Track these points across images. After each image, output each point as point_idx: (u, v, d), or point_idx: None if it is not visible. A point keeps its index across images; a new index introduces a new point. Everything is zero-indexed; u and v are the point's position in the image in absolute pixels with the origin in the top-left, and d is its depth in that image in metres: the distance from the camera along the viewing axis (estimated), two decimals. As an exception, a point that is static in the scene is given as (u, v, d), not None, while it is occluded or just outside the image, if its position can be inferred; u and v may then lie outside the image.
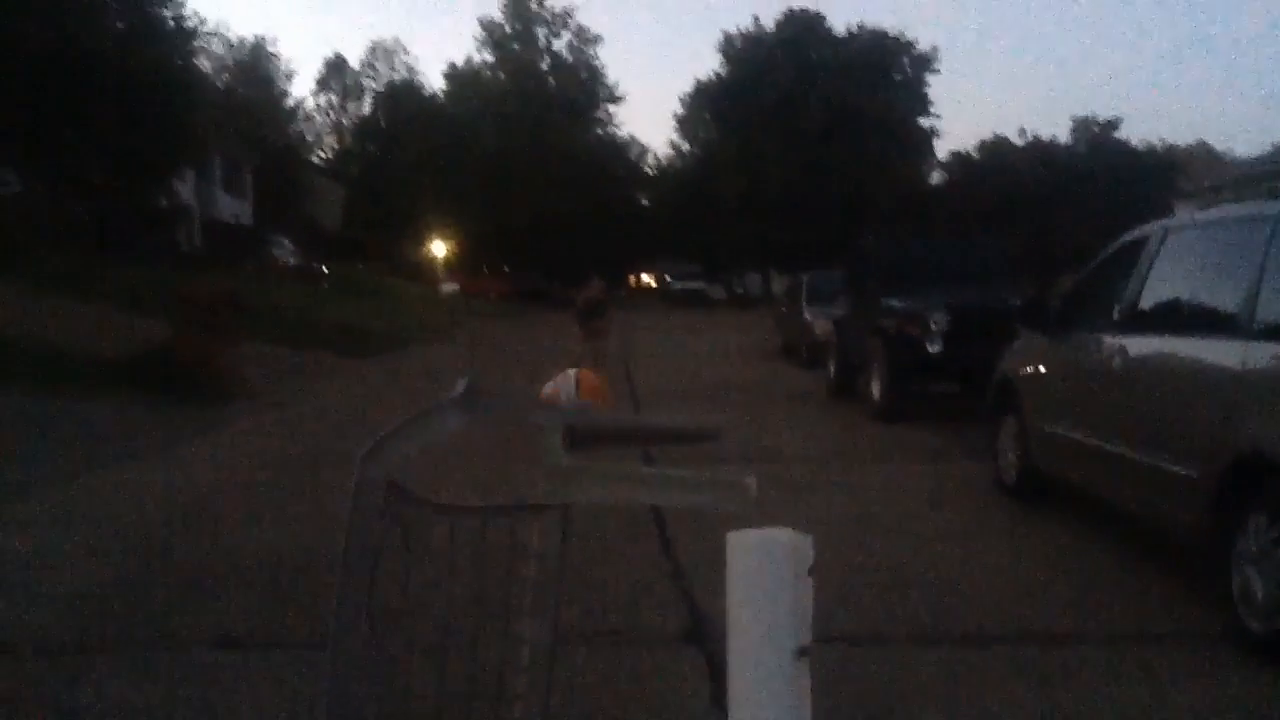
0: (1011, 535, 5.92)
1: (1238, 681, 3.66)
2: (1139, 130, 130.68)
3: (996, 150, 52.29)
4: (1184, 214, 5.53)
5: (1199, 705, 3.48)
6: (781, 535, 2.17)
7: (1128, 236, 5.86)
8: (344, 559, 2.21)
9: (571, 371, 5.46)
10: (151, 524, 6.21)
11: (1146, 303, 5.28)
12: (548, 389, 5.11)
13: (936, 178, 54.43)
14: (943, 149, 56.94)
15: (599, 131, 59.17)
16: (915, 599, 4.64)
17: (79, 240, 23.32)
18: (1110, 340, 5.39)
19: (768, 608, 2.14)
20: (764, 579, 2.15)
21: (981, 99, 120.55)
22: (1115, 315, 5.48)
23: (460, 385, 2.57)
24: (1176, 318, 4.99)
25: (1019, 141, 51.98)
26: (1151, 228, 5.57)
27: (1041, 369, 6.45)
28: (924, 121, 52.00)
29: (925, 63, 51.79)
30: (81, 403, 10.48)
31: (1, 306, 14.59)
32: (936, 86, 55.29)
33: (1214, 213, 5.52)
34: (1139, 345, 5.13)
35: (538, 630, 2.53)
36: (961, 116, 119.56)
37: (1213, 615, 4.15)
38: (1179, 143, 59.02)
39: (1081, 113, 62.34)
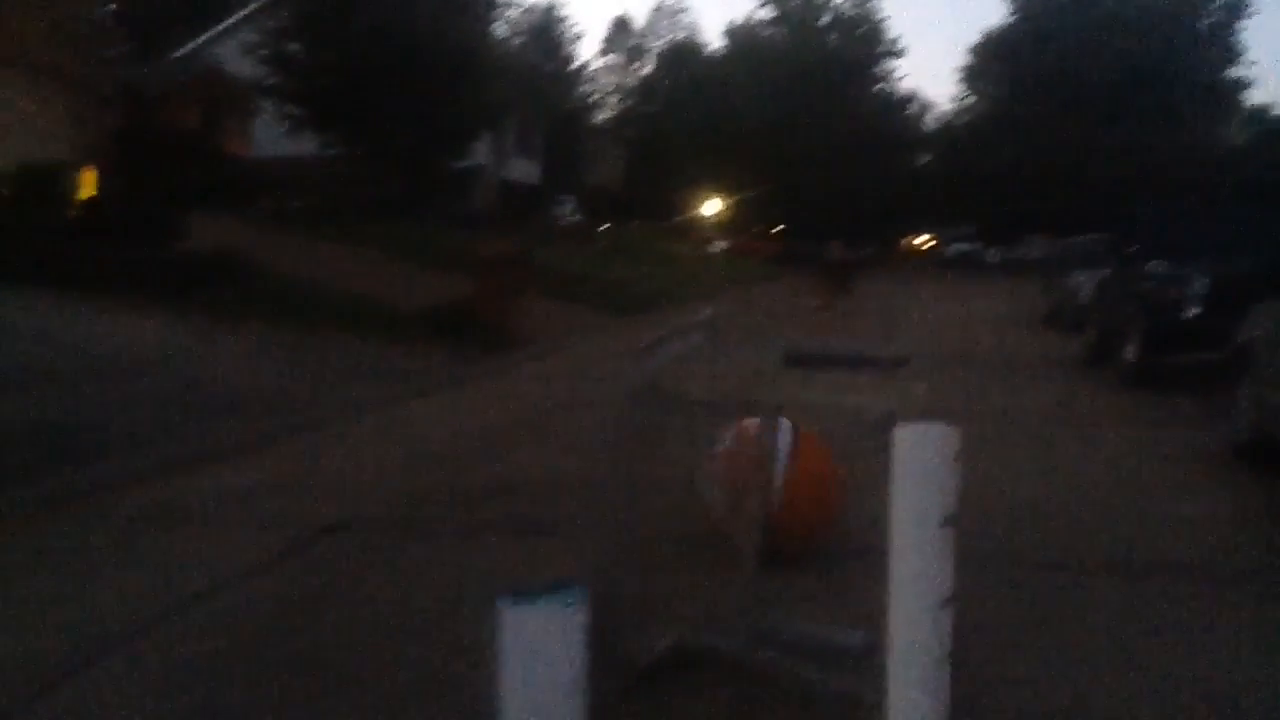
0: (1227, 491, 6.18)
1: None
2: None
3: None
4: None
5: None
6: (937, 428, 2.90)
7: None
8: (614, 437, 3.12)
9: (786, 424, 4.24)
10: (456, 443, 7.50)
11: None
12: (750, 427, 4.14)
13: (1240, 136, 50.43)
14: (1257, 98, 52.55)
15: (878, 88, 58.25)
16: (1105, 535, 5.11)
17: (390, 202, 25.95)
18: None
19: (923, 484, 2.89)
20: (922, 461, 2.89)
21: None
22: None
23: (705, 313, 3.45)
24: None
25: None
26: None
27: (1277, 332, 6.58)
28: (1233, 73, 48.21)
29: (1238, 8, 47.88)
30: (391, 346, 12.19)
31: (332, 264, 16.84)
32: (1251, 31, 50.86)
33: None
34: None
35: (757, 496, 3.36)
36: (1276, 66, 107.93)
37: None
38: None
39: None
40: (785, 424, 4.11)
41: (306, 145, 26.40)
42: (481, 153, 36.81)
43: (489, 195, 39.56)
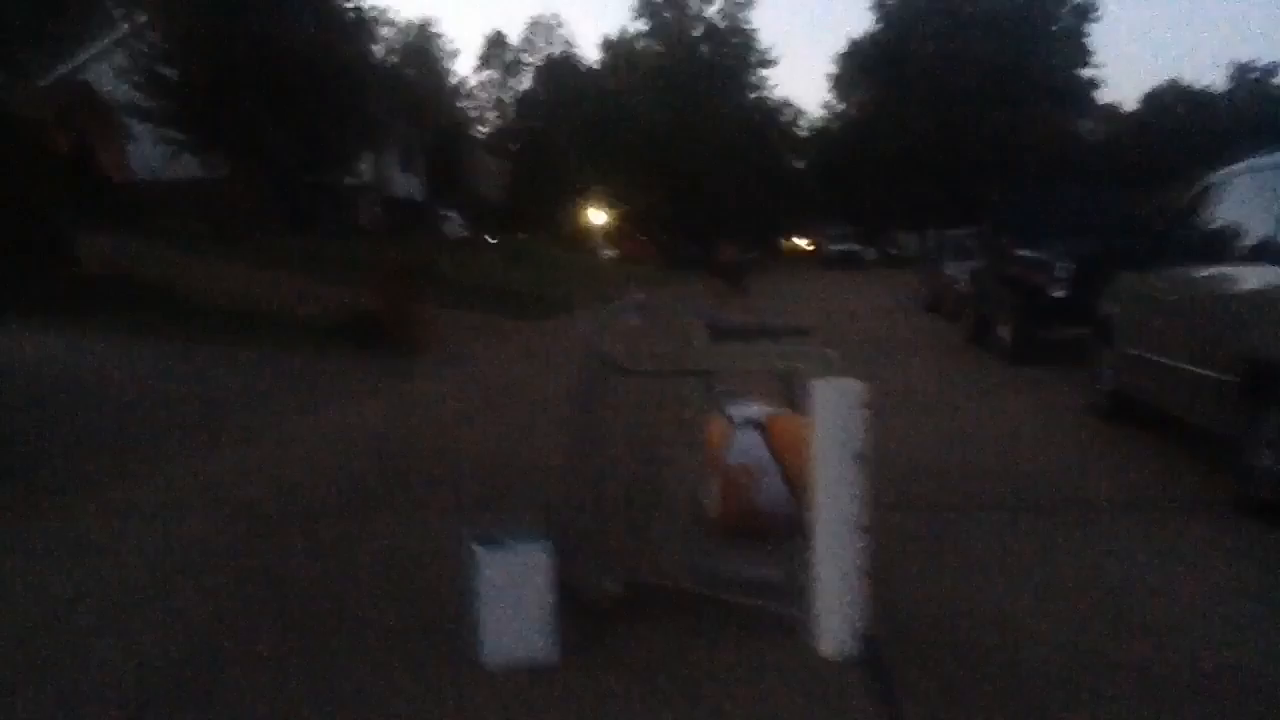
0: (1086, 441, 7.03)
1: (1247, 537, 4.65)
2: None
3: (1155, 101, 50.98)
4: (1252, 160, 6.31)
5: (1211, 555, 4.49)
6: (848, 381, 3.39)
7: (1207, 179, 6.69)
8: (576, 399, 3.53)
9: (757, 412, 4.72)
10: (384, 441, 7.79)
11: (1211, 236, 6.17)
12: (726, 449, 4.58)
13: (1096, 132, 53.28)
14: (1105, 97, 55.50)
15: (752, 96, 59.69)
16: (990, 481, 5.79)
17: (279, 221, 25.79)
18: (1179, 271, 6.30)
19: (838, 428, 3.37)
20: (835, 408, 3.37)
21: (1143, 44, 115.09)
22: (1187, 249, 6.37)
23: (640, 295, 3.90)
24: (1228, 249, 5.87)
25: (1176, 91, 50.61)
26: (1221, 174, 6.41)
27: (1129, 300, 7.34)
28: (1084, 73, 50.96)
29: (1085, 11, 50.66)
30: (300, 357, 12.32)
31: (227, 281, 16.79)
32: (1097, 35, 53.74)
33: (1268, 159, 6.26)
34: (1198, 272, 6.03)
35: (689, 454, 3.80)
36: (1121, 65, 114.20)
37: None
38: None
39: (1241, 58, 59.68)
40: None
41: (190, 167, 26.05)
42: (366, 171, 36.68)
43: (376, 211, 39.37)
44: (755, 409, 4.70)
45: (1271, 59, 62.75)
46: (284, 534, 5.09)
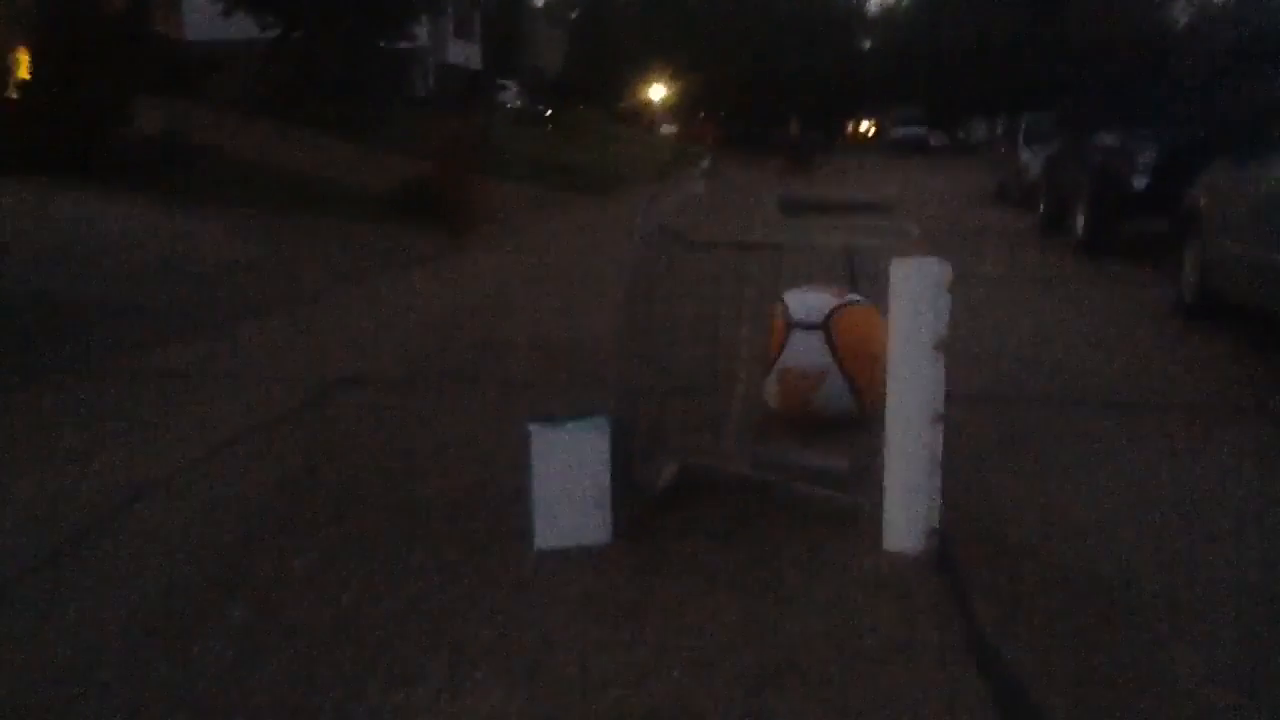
0: (1169, 340, 6.65)
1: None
2: None
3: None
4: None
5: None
6: (929, 260, 3.15)
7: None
8: (629, 276, 3.33)
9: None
10: (442, 315, 7.69)
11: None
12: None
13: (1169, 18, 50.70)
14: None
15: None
16: (1064, 377, 5.52)
17: (333, 85, 25.39)
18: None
19: (918, 311, 3.15)
20: (914, 290, 3.14)
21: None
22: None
23: (705, 163, 3.65)
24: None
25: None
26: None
27: (1222, 193, 6.91)
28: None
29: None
30: (361, 226, 12.23)
31: (285, 147, 16.62)
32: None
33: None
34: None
35: (756, 332, 3.60)
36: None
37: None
38: None
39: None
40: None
41: (243, 27, 25.62)
42: (421, 35, 35.94)
43: (431, 79, 38.78)
44: (815, 297, 4.45)
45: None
46: (341, 406, 5.02)
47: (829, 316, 4.34)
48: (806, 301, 4.43)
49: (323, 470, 3.99)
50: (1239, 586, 2.96)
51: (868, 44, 60.50)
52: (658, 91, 50.28)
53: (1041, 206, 13.52)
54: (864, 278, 3.48)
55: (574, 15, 59.89)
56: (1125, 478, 3.90)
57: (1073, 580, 3.01)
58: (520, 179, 19.25)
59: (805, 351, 4.29)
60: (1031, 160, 16.45)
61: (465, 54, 44.89)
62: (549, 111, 39.59)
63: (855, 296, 4.58)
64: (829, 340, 4.28)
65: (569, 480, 3.20)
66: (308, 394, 5.17)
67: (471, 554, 3.17)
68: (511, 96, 44.12)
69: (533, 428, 3.19)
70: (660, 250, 3.33)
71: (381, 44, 28.40)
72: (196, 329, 6.77)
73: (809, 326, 4.32)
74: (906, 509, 3.18)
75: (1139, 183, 10.29)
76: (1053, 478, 3.87)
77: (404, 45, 32.19)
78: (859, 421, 4.22)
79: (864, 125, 62.29)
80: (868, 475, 3.29)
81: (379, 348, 6.39)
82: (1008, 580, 3.00)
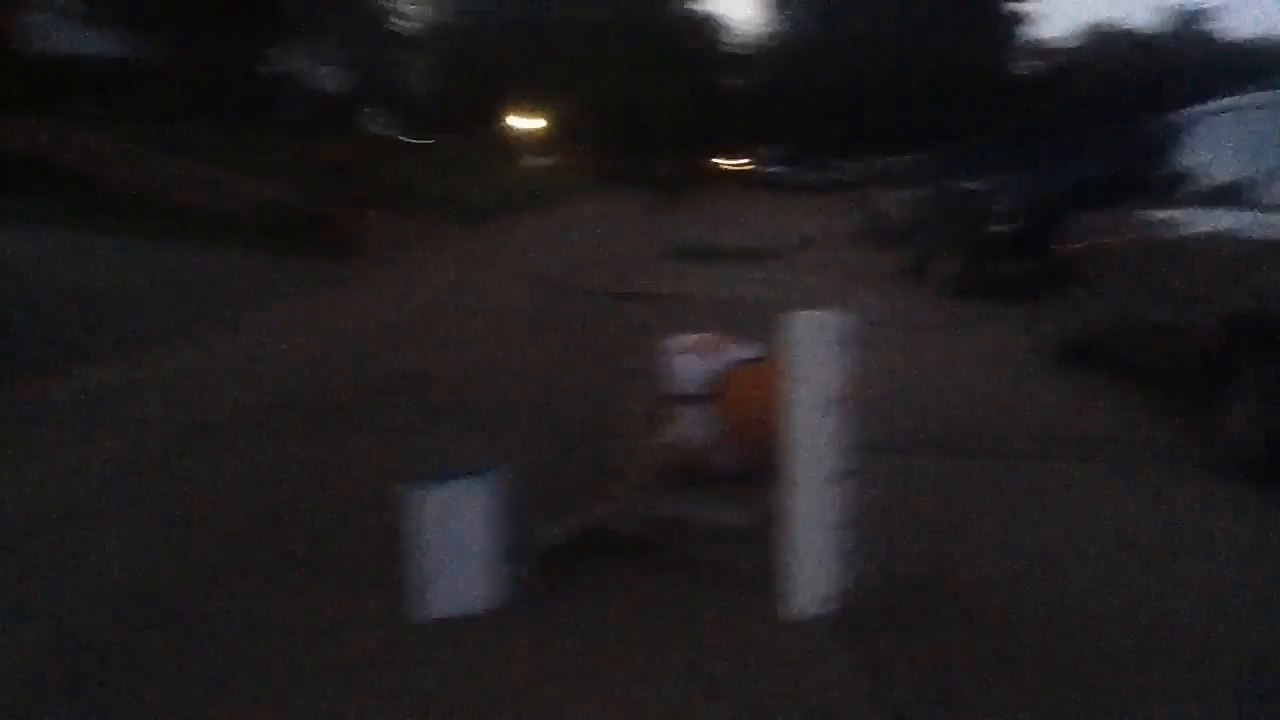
0: (1045, 383, 6.75)
1: (1217, 491, 4.47)
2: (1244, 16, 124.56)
3: (1093, 39, 51.21)
4: (1227, 100, 6.08)
5: (1180, 505, 4.30)
6: (827, 315, 3.08)
7: (1174, 119, 6.45)
8: (526, 322, 3.16)
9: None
10: (332, 345, 7.37)
11: (1181, 177, 5.94)
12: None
13: (1033, 66, 53.30)
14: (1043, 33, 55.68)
15: (687, 10, 58.17)
16: (941, 425, 5.54)
17: (196, 107, 24.47)
18: (1152, 212, 6.06)
19: (815, 367, 3.06)
20: (810, 344, 3.06)
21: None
22: (1155, 189, 6.13)
23: (593, 205, 3.50)
24: (1211, 193, 5.62)
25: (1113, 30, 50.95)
26: (1194, 111, 6.16)
27: (1090, 242, 7.11)
28: (1023, 6, 50.92)
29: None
30: (237, 254, 11.71)
31: (154, 169, 15.87)
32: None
33: (1249, 98, 6.02)
34: (1172, 215, 5.80)
35: (647, 384, 3.46)
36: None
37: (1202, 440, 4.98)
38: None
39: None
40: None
41: (101, 45, 24.51)
42: (289, 59, 35.03)
43: (298, 103, 37.79)
44: (700, 361, 4.17)
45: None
46: (196, 455, 4.68)
47: (716, 383, 4.11)
48: (691, 366, 4.17)
49: (174, 530, 3.67)
50: (1160, 654, 2.94)
51: (738, 81, 61.48)
52: (531, 123, 50.11)
53: (911, 247, 13.81)
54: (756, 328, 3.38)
55: (443, 44, 59.31)
56: (1024, 529, 3.89)
57: (986, 644, 2.95)
58: (393, 208, 18.80)
59: (693, 424, 4.08)
60: (898, 201, 16.82)
61: (336, 80, 43.96)
62: (419, 140, 39.02)
63: (744, 353, 4.33)
64: (717, 409, 4.08)
65: (453, 543, 3.00)
66: (159, 443, 4.80)
67: (345, 624, 2.94)
68: (383, 125, 43.38)
69: (416, 488, 2.99)
70: (550, 298, 3.17)
71: (249, 66, 27.62)
72: (33, 367, 6.26)
73: (695, 397, 4.09)
74: (807, 573, 3.08)
75: (1003, 227, 10.56)
76: (955, 531, 3.83)
77: (272, 69, 31.33)
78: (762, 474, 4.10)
79: (734, 160, 63.15)
80: (769, 531, 3.18)
81: (241, 389, 6.01)
82: (919, 648, 2.92)
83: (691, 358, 4.19)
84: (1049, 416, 5.86)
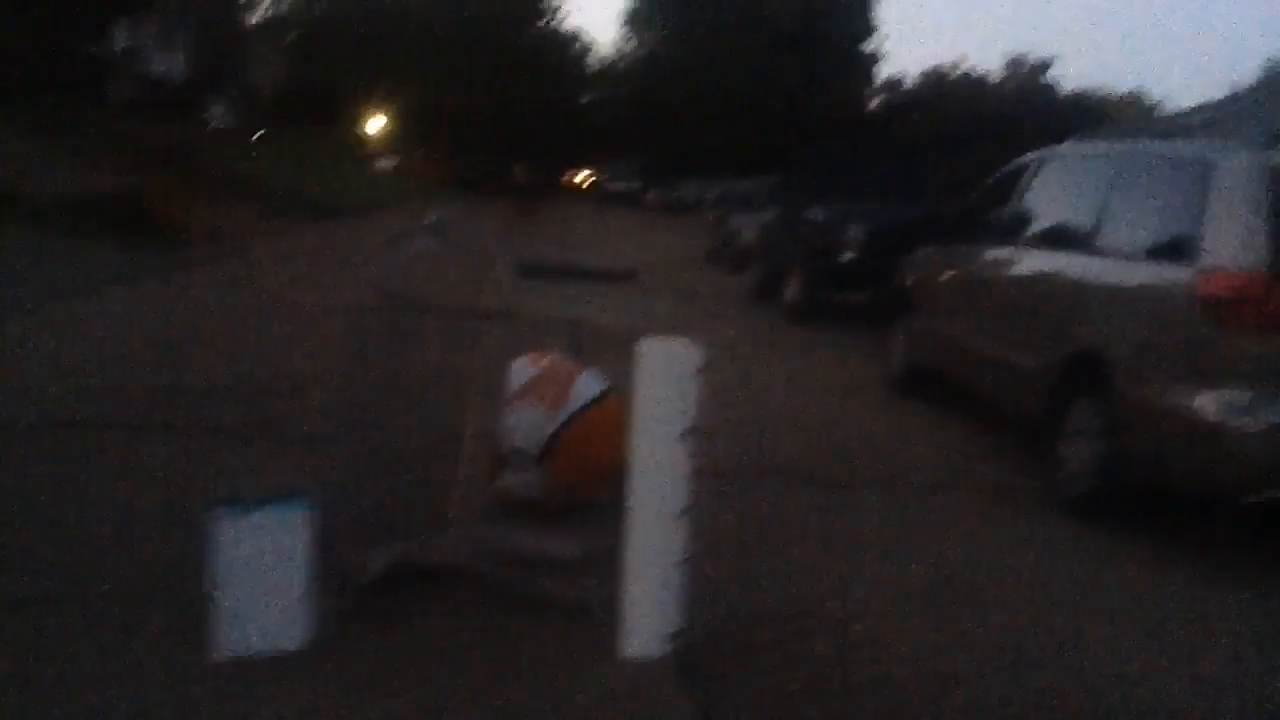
0: (883, 414, 6.83)
1: (1053, 527, 4.52)
2: (1083, 68, 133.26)
3: (933, 81, 53.42)
4: (1058, 147, 6.32)
5: (1019, 542, 4.33)
6: (679, 343, 2.92)
7: (1011, 164, 6.62)
8: (356, 336, 2.89)
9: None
10: (145, 344, 6.80)
11: (1015, 219, 6.08)
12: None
13: (876, 102, 55.23)
14: (886, 71, 57.90)
15: (542, 24, 58.20)
16: (780, 452, 5.48)
17: (16, 86, 22.84)
18: (988, 250, 6.19)
19: (664, 397, 2.89)
20: (662, 374, 2.89)
21: (928, 25, 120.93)
22: (998, 229, 6.26)
23: (432, 217, 3.26)
24: (1043, 234, 5.78)
25: (954, 74, 53.27)
26: (1029, 157, 6.34)
27: (932, 274, 7.24)
28: (868, 45, 52.78)
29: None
30: (47, 240, 10.85)
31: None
32: (885, 9, 55.70)
33: (1077, 147, 6.26)
34: (1011, 254, 5.92)
35: (483, 407, 3.23)
36: (906, 40, 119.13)
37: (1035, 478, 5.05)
38: (1118, 89, 60.75)
39: (1021, 48, 63.58)
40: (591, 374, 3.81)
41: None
42: (121, 40, 33.26)
43: (129, 88, 35.85)
44: (535, 416, 3.76)
45: (1049, 53, 66.90)
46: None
47: (553, 441, 3.74)
48: (528, 422, 3.74)
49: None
50: (993, 700, 2.88)
51: (588, 96, 61.67)
52: (377, 122, 48.96)
53: (755, 272, 13.92)
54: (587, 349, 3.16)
55: (292, 37, 57.41)
56: (866, 561, 3.82)
57: (817, 682, 2.83)
58: (232, 200, 17.92)
59: (526, 482, 3.77)
60: (744, 226, 16.96)
61: (171, 65, 41.91)
62: (261, 133, 37.55)
63: (587, 390, 3.86)
64: (553, 468, 3.75)
65: (259, 575, 2.70)
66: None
67: (135, 660, 2.60)
68: (220, 114, 41.51)
69: (218, 514, 2.67)
70: (386, 312, 2.92)
71: (74, 44, 25.96)
72: None
73: (530, 455, 3.75)
74: (647, 610, 2.90)
75: (848, 256, 10.72)
76: (797, 565, 3.73)
77: (101, 49, 29.61)
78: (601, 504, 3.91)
79: (581, 176, 63.13)
80: (604, 563, 2.98)
81: (45, 384, 5.46)
82: (760, 689, 2.77)
83: (529, 411, 3.75)
84: (889, 447, 5.88)
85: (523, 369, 3.71)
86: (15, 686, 2.46)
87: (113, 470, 4.14)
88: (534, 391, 3.70)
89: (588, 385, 3.80)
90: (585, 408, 3.76)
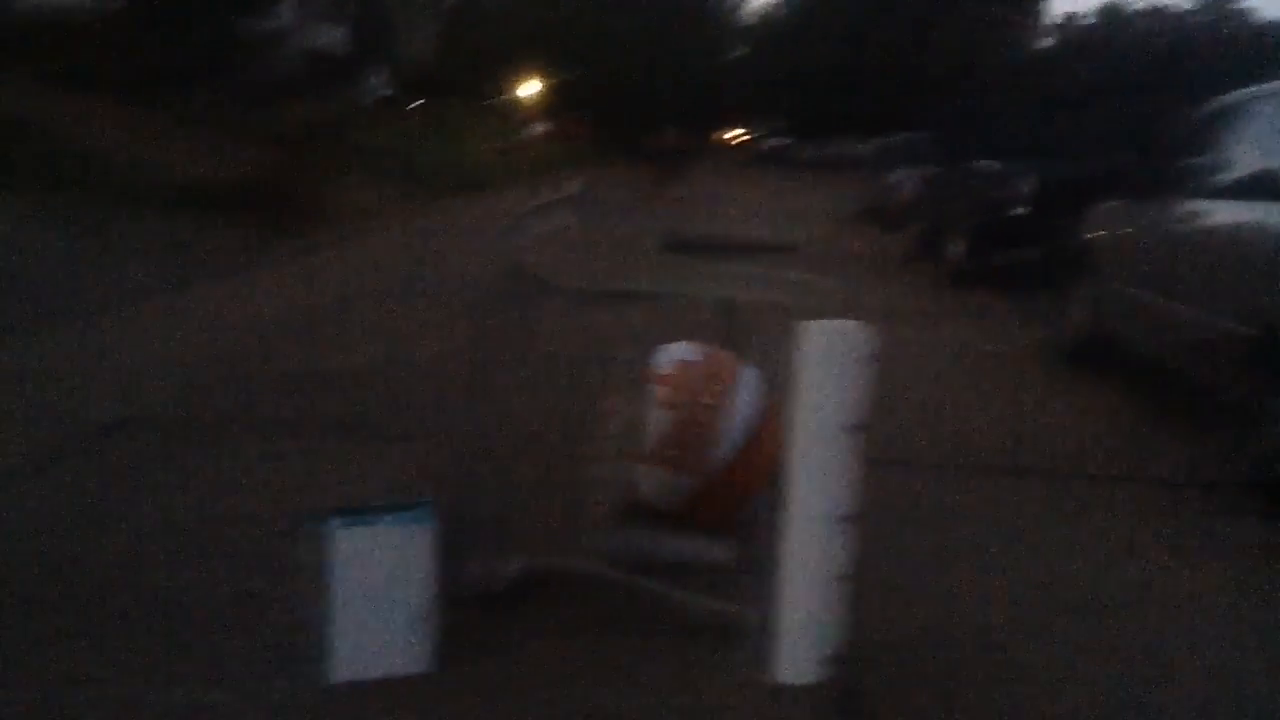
0: (1059, 389, 6.22)
1: (1252, 529, 3.96)
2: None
3: (1110, 16, 50.27)
4: (1271, 84, 5.54)
5: (1214, 546, 3.79)
6: (848, 325, 2.53)
7: (1211, 104, 5.90)
8: (482, 324, 2.63)
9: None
10: (269, 331, 6.82)
11: (1217, 168, 5.40)
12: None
13: (1047, 42, 52.37)
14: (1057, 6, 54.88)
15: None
16: (949, 437, 5.00)
17: (176, 65, 23.67)
18: (1186, 203, 5.51)
19: (829, 386, 2.52)
20: (829, 361, 2.52)
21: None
22: (1187, 180, 5.59)
23: (574, 188, 2.95)
24: (1254, 185, 5.08)
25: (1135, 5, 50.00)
26: (1233, 97, 5.62)
27: (1120, 230, 6.58)
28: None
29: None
30: (188, 223, 11.08)
31: (113, 129, 15.20)
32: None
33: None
34: (1205, 207, 5.27)
35: (622, 408, 2.93)
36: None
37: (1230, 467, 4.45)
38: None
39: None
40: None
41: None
42: (281, 15, 34.20)
43: (289, 62, 36.93)
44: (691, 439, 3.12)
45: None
46: (101, 458, 4.09)
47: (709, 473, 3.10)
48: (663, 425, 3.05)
49: (53, 552, 3.14)
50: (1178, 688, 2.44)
51: (740, 52, 60.56)
52: (528, 88, 49.23)
53: (913, 232, 13.25)
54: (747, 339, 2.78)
55: (447, 4, 58.30)
56: (1039, 568, 3.38)
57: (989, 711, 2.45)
58: (379, 177, 18.16)
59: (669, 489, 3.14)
60: (904, 182, 16.23)
61: (330, 38, 43.04)
62: (417, 103, 38.23)
63: (747, 396, 3.15)
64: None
65: (379, 590, 2.48)
66: (67, 440, 4.25)
67: (242, 690, 2.42)
68: (381, 85, 42.46)
69: (334, 525, 2.46)
70: (516, 296, 2.64)
71: (236, 24, 26.75)
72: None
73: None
74: (802, 631, 2.57)
75: (1019, 210, 10.03)
76: (973, 573, 3.31)
77: (262, 26, 30.43)
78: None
79: (734, 134, 62.35)
80: (759, 574, 2.65)
81: (167, 379, 5.41)
82: (912, 711, 2.42)
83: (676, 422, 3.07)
84: (1060, 430, 5.31)
85: (669, 359, 3.09)
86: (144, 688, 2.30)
87: (230, 472, 3.99)
88: (685, 387, 3.06)
89: (747, 388, 3.15)
90: (745, 420, 3.13)
